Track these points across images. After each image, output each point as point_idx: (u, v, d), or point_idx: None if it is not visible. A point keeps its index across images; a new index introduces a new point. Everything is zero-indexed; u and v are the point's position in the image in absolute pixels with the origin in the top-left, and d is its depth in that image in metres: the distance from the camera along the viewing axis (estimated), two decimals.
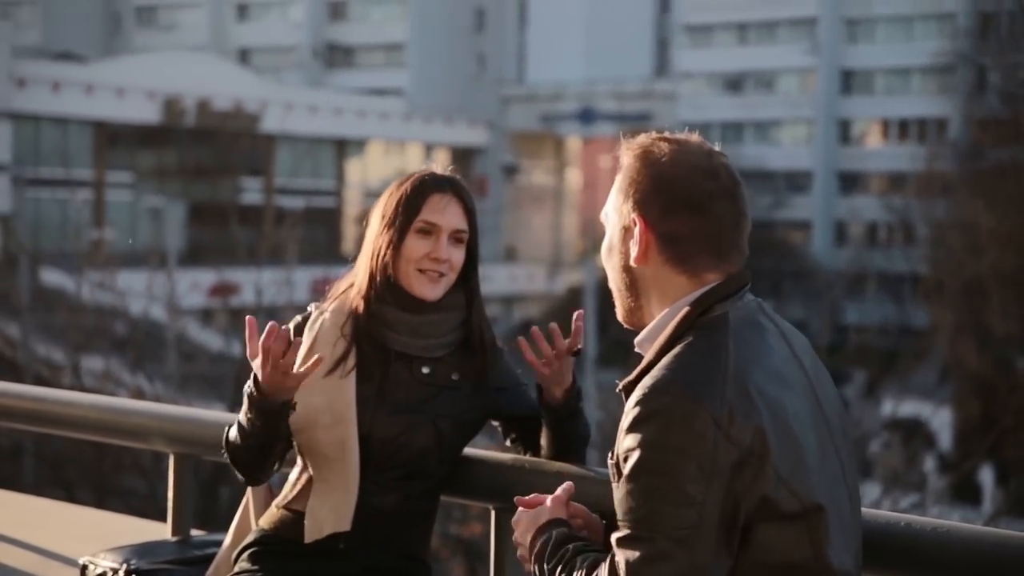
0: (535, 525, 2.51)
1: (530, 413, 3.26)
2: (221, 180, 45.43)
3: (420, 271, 3.18)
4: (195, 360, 19.67)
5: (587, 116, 59.50)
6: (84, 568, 3.68)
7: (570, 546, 2.40)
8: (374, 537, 3.14)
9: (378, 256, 3.20)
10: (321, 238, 42.66)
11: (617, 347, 33.08)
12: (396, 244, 3.18)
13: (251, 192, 46.03)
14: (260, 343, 2.92)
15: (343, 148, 51.34)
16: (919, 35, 52.73)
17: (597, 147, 57.23)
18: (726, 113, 56.64)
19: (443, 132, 54.23)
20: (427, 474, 3.18)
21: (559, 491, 2.58)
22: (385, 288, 3.19)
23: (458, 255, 3.22)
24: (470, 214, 3.26)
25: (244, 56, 64.17)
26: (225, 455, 3.21)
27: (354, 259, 3.29)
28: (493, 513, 3.43)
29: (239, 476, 3.23)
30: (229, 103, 46.30)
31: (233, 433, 3.15)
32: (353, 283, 3.27)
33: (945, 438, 29.78)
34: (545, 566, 2.41)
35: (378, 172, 52.19)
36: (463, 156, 54.23)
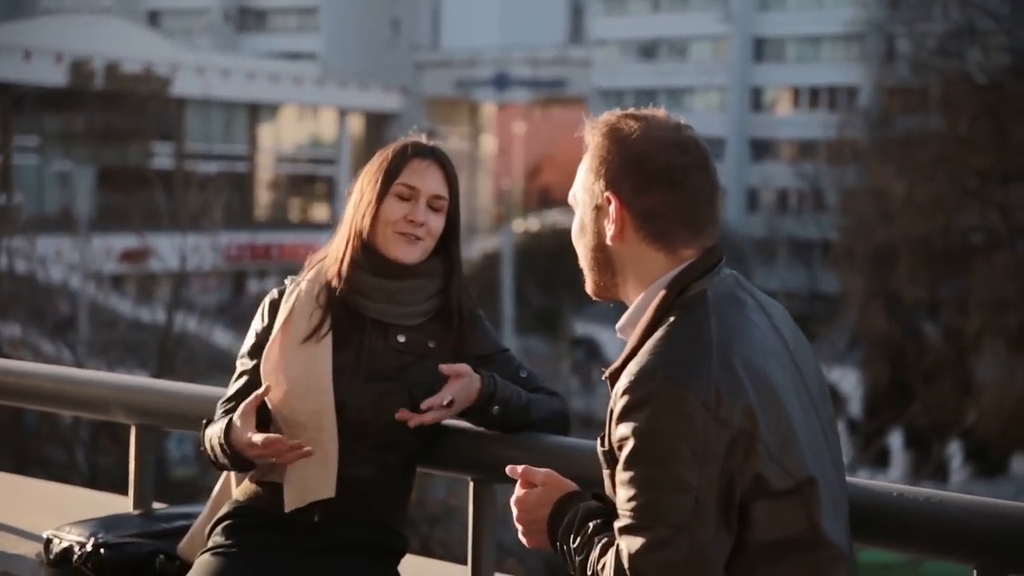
0: (551, 500, 2.48)
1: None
2: (131, 144, 44.73)
3: (397, 233, 3.16)
4: (115, 327, 19.43)
5: (502, 82, 59.38)
6: (48, 542, 3.62)
7: (591, 524, 2.38)
8: (351, 508, 3.12)
9: (356, 222, 3.18)
10: (234, 204, 42.21)
11: (535, 314, 33.22)
12: (375, 208, 3.16)
13: (162, 157, 45.40)
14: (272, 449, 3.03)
15: (256, 113, 50.75)
16: (829, 3, 53.08)
17: (512, 113, 57.17)
18: (640, 80, 56.66)
19: (358, 97, 53.73)
20: (403, 443, 3.16)
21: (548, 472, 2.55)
22: (362, 253, 3.17)
23: (436, 221, 3.20)
24: (451, 183, 3.25)
25: (154, 19, 63.19)
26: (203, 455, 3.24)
27: (334, 230, 3.27)
28: (472, 484, 3.42)
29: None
30: (139, 66, 45.56)
31: (207, 446, 3.20)
32: (329, 253, 3.25)
33: (855, 403, 30.23)
34: (571, 544, 2.39)
35: (292, 137, 51.67)
36: (378, 121, 53.78)
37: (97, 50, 44.51)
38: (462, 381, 3.12)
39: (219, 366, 14.59)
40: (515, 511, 2.51)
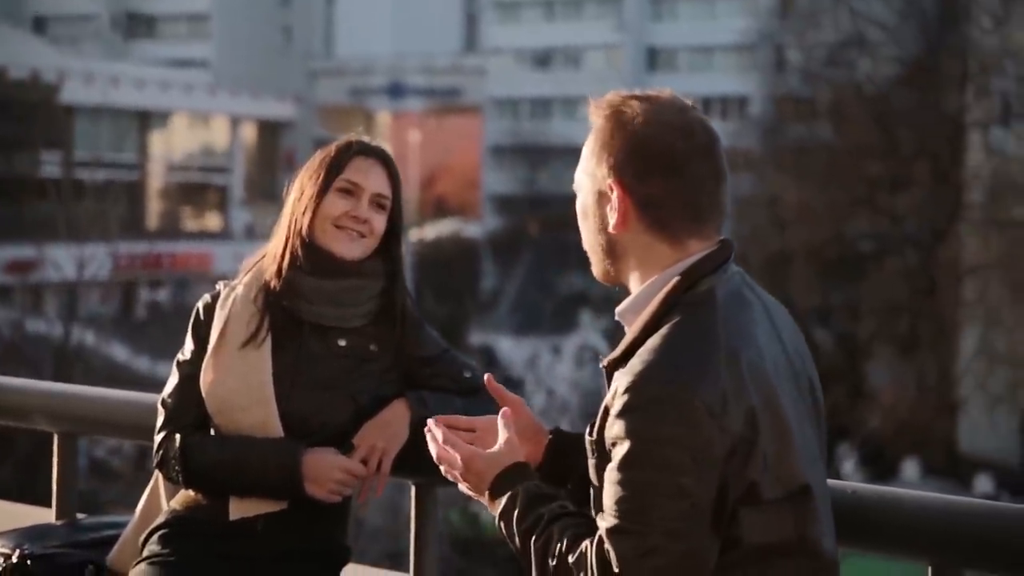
0: (500, 465, 2.40)
1: (454, 386, 3.17)
2: (18, 153, 43.96)
3: (337, 228, 3.08)
4: (6, 338, 19.02)
5: (396, 91, 59.25)
6: None
7: (544, 510, 2.31)
8: (294, 517, 3.05)
9: (295, 219, 3.09)
10: (125, 213, 41.66)
11: (436, 324, 33.21)
12: (315, 203, 3.07)
13: (50, 165, 44.66)
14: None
15: (146, 121, 50.15)
16: (721, 13, 53.73)
17: (406, 121, 57.06)
18: (535, 89, 56.91)
19: (250, 105, 53.35)
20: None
21: (503, 426, 2.47)
22: (301, 251, 3.07)
23: (379, 220, 3.13)
24: (395, 182, 3.17)
25: (39, 25, 62.13)
26: (177, 471, 3.07)
27: (269, 233, 3.18)
28: (413, 489, 3.36)
29: (171, 479, 3.12)
30: (25, 73, 44.78)
31: (208, 462, 3.05)
32: (267, 253, 3.16)
33: None
34: (514, 528, 2.32)
35: (183, 145, 51.12)
36: (271, 130, 53.50)
37: None
38: (378, 425, 3.06)
39: (117, 380, 14.32)
40: (461, 466, 2.43)
